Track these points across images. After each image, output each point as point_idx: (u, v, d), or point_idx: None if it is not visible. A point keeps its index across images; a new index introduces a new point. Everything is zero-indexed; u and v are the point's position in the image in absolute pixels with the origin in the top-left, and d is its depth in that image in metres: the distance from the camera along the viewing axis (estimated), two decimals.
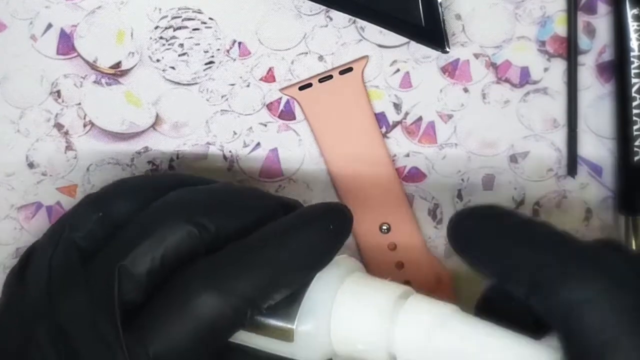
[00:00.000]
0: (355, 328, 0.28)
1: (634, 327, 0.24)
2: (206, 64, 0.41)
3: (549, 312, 0.26)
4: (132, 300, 0.28)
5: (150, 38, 0.41)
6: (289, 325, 0.28)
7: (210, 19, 0.41)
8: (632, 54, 0.40)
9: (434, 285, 0.41)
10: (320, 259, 0.29)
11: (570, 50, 0.41)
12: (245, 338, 0.29)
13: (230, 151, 0.41)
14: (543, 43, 0.41)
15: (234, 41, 0.41)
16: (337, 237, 0.30)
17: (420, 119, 0.41)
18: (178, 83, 0.41)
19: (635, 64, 0.40)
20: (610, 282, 0.26)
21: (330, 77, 0.40)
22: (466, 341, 0.26)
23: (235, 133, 0.41)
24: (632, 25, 0.39)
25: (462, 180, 0.42)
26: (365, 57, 0.41)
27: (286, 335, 0.28)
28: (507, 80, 0.41)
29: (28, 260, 0.30)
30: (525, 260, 0.27)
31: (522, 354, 0.26)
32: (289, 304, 0.28)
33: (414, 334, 0.27)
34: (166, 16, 0.41)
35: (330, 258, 0.30)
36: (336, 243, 0.30)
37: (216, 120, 0.41)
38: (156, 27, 0.41)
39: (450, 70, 0.41)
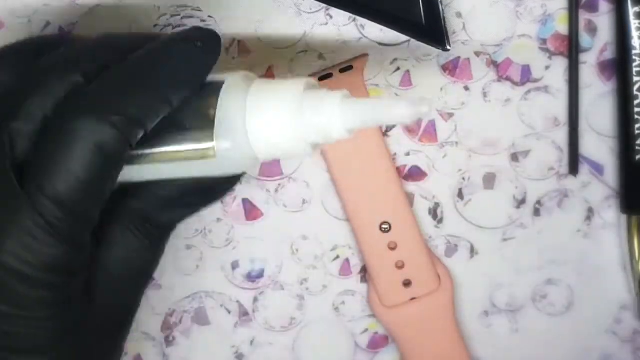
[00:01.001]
0: (272, 131, 0.28)
1: None
2: None
3: None
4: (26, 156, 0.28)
5: None
6: (208, 145, 0.28)
7: (210, 16, 0.41)
8: (633, 52, 0.39)
9: (435, 285, 0.41)
10: (191, 73, 0.29)
11: (571, 49, 0.40)
12: (167, 172, 0.30)
13: None
14: (544, 41, 0.41)
15: (234, 39, 0.41)
16: (206, 52, 0.30)
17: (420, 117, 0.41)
18: None
19: (637, 62, 0.39)
20: None
21: (330, 75, 0.40)
22: (373, 107, 0.28)
23: None
24: (633, 23, 0.39)
25: (463, 179, 0.41)
26: (366, 55, 0.41)
27: (208, 156, 0.29)
28: (508, 79, 0.41)
29: None
30: None
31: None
32: (203, 125, 0.28)
33: (327, 118, 0.28)
34: (165, 14, 0.41)
35: (203, 72, 0.30)
36: (206, 58, 0.30)
37: None
38: (155, 25, 0.41)
39: (451, 68, 0.41)
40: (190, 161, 0.29)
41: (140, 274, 0.32)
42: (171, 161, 0.29)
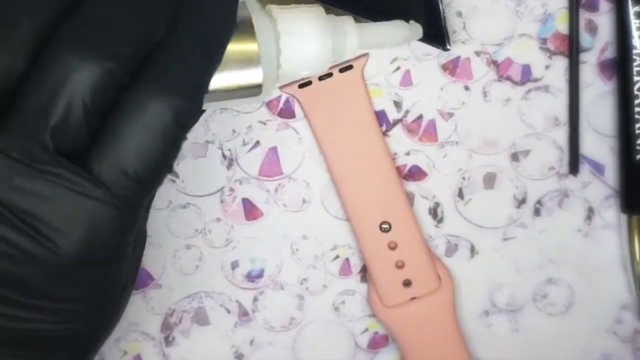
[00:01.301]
0: (301, 55, 0.32)
1: None
2: None
3: None
4: None
5: None
6: (256, 80, 0.31)
7: None
8: (634, 51, 0.39)
9: (435, 285, 0.41)
10: (230, 22, 0.30)
11: (571, 48, 0.40)
12: (218, 104, 0.32)
13: (229, 149, 0.41)
14: (544, 41, 0.41)
15: None
16: None
17: (420, 117, 0.41)
18: None
19: (638, 62, 0.39)
20: None
21: (330, 74, 0.40)
22: (381, 29, 0.34)
23: (234, 131, 0.41)
24: (634, 22, 0.39)
25: (463, 178, 0.41)
26: (366, 54, 0.40)
27: (254, 88, 0.31)
28: (508, 78, 0.41)
29: None
30: None
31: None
32: (247, 60, 0.30)
33: (345, 38, 0.33)
34: None
35: (235, 16, 0.30)
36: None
37: (215, 118, 0.41)
38: None
39: (451, 68, 0.41)
40: (234, 94, 0.31)
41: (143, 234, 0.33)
42: (216, 99, 0.31)
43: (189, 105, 0.28)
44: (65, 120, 0.26)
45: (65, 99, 0.26)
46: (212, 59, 0.29)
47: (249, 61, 0.30)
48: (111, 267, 0.29)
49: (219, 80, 0.30)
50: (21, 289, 0.27)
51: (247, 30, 0.30)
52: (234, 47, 0.30)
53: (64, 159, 0.26)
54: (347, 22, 0.34)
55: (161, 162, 0.28)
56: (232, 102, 0.32)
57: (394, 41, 0.35)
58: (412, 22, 0.35)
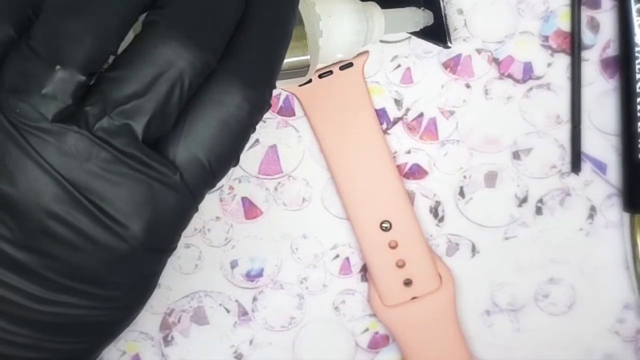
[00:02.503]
0: (339, 39, 0.34)
1: None
2: None
3: None
4: None
5: None
6: (305, 63, 0.32)
7: None
8: (636, 49, 0.39)
9: (435, 284, 0.41)
10: (290, 18, 0.30)
11: (574, 46, 0.40)
12: None
13: None
14: (546, 38, 0.40)
15: None
16: None
17: (421, 115, 0.41)
18: None
19: None
20: None
21: (330, 72, 0.40)
22: (402, 15, 0.36)
23: None
24: (636, 20, 0.39)
25: (464, 177, 0.41)
26: (366, 52, 0.40)
27: (302, 72, 0.33)
28: (509, 76, 0.41)
29: None
30: None
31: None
32: (296, 45, 0.31)
33: (374, 24, 0.35)
34: None
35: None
36: None
37: None
38: None
39: (452, 65, 0.41)
40: (284, 77, 0.32)
41: None
42: None
43: (262, 98, 0.28)
44: (161, 111, 0.26)
45: (164, 87, 0.26)
46: (280, 52, 0.29)
47: (298, 44, 0.31)
48: (165, 257, 0.29)
49: None
50: (65, 271, 0.27)
51: None
52: None
53: (143, 144, 0.26)
54: (374, 7, 0.35)
55: (232, 154, 0.28)
56: (280, 84, 0.32)
57: (410, 26, 0.37)
58: (423, 8, 0.37)
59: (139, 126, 0.26)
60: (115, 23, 0.26)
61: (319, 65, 0.34)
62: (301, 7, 0.31)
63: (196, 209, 0.29)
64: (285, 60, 0.30)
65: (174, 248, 0.30)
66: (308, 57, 0.32)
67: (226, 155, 0.28)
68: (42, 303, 0.27)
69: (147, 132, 0.26)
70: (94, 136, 0.25)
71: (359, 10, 0.34)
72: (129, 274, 0.28)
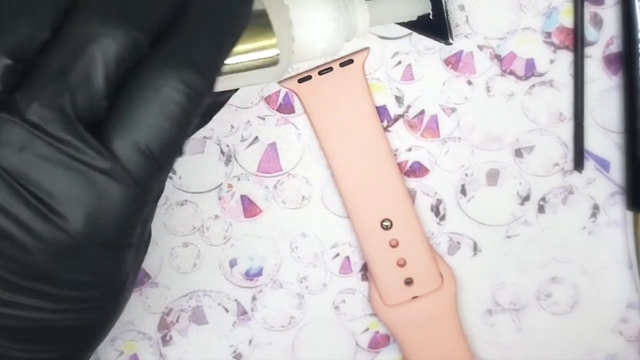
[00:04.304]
0: (314, 36, 0.32)
1: None
2: None
3: None
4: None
5: None
6: (274, 55, 0.31)
7: None
8: None
9: (437, 283, 0.41)
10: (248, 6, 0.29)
11: (576, 42, 0.40)
12: (233, 83, 0.32)
13: (227, 145, 0.41)
14: (549, 34, 0.40)
15: None
16: None
17: (422, 112, 0.41)
18: None
19: None
20: None
21: (330, 69, 0.40)
22: (391, 4, 0.35)
23: (232, 127, 0.41)
24: None
25: (466, 175, 0.41)
26: (366, 49, 0.40)
27: (272, 62, 0.31)
28: (511, 73, 0.40)
29: None
30: None
31: None
32: (260, 34, 0.30)
33: (356, 17, 0.34)
34: None
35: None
36: None
37: None
38: None
39: (454, 62, 0.40)
40: (250, 67, 0.31)
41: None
42: (233, 75, 0.31)
43: (202, 80, 0.27)
44: (85, 85, 0.25)
45: (86, 61, 0.25)
46: (226, 33, 0.28)
47: (263, 35, 0.30)
48: (118, 253, 0.28)
49: (233, 55, 0.30)
50: (18, 270, 0.26)
51: (260, 15, 0.30)
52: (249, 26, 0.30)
53: (80, 127, 0.25)
54: (358, 2, 0.34)
55: (174, 141, 0.27)
56: (250, 78, 0.31)
57: (405, 15, 0.35)
58: None
59: (67, 105, 0.25)
60: (46, 8, 0.26)
61: (306, 58, 0.33)
62: (274, 11, 0.31)
63: (151, 203, 0.28)
64: (255, 53, 0.30)
65: (130, 244, 0.28)
66: (277, 49, 0.31)
67: (166, 141, 0.27)
68: (1, 305, 0.26)
69: (77, 113, 0.25)
70: (26, 123, 0.25)
71: (336, 16, 0.33)
72: (80, 271, 0.27)
